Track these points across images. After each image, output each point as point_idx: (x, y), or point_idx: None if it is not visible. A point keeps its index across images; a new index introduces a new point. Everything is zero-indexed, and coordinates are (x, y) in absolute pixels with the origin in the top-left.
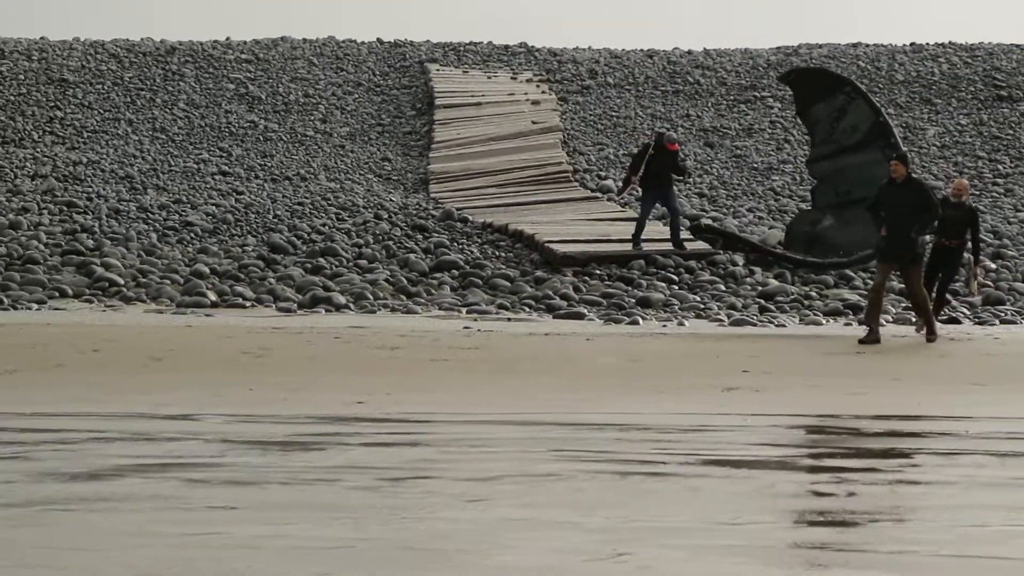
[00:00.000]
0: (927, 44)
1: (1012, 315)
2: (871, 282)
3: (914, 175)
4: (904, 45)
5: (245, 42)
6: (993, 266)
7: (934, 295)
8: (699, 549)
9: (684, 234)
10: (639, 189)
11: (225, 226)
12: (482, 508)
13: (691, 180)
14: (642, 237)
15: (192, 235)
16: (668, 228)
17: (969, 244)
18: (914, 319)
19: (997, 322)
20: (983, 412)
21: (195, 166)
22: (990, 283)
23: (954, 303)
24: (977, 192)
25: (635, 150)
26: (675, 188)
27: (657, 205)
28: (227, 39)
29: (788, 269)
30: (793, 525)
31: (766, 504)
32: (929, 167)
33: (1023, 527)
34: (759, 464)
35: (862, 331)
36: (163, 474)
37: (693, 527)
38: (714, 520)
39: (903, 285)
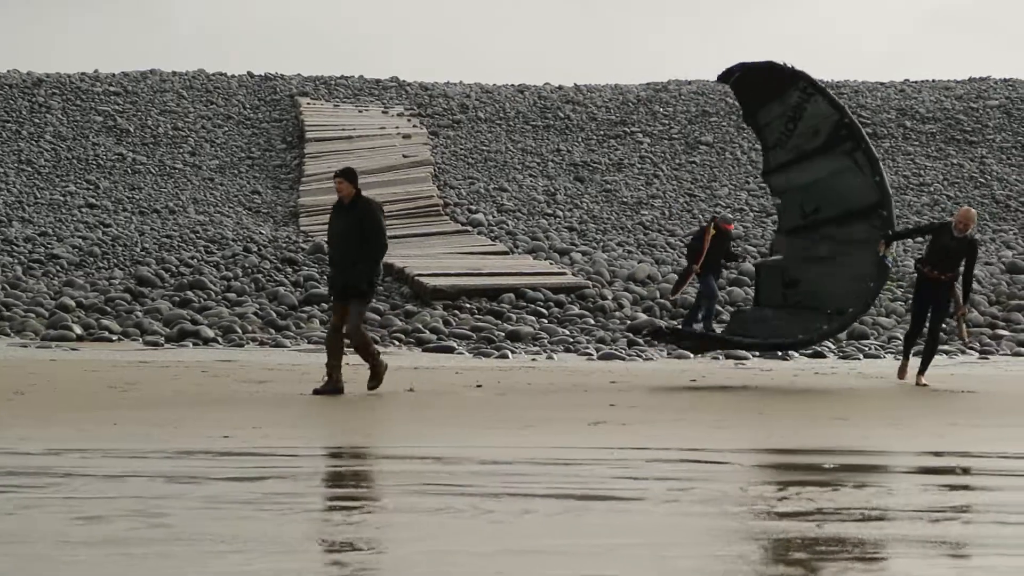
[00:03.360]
0: None
1: (875, 349)
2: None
3: (364, 195)
4: None
5: (113, 74)
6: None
7: (924, 336)
8: None
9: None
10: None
11: (92, 259)
12: (344, 542)
13: (561, 214)
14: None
15: (58, 268)
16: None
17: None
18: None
19: (861, 356)
20: (846, 444)
21: (62, 198)
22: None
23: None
24: None
25: (687, 239)
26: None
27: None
28: (95, 71)
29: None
30: (659, 556)
31: (630, 537)
32: None
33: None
34: (622, 497)
35: (729, 365)
36: (20, 511)
37: (555, 558)
38: (577, 551)
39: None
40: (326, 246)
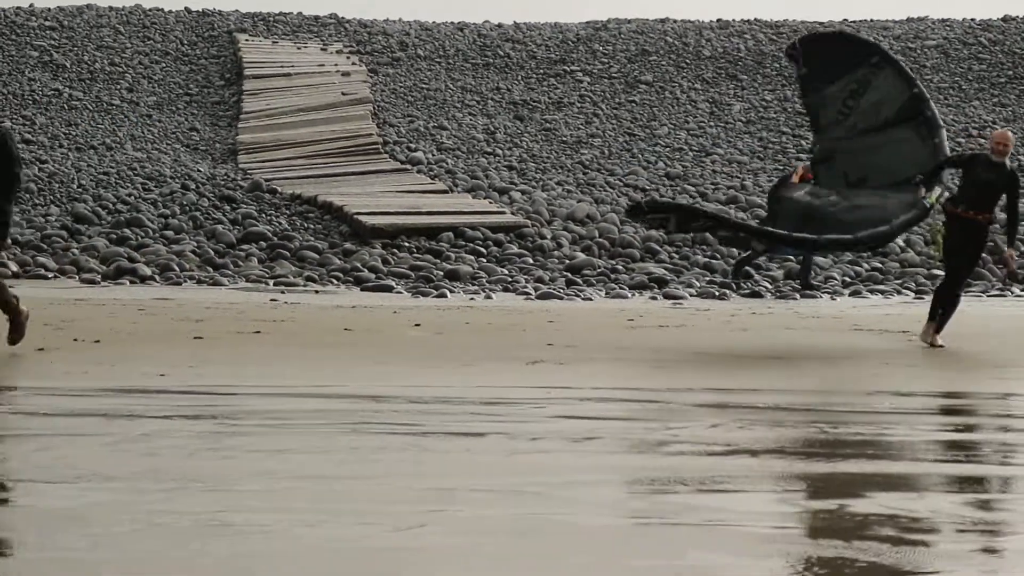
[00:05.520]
0: (733, 20)
1: (811, 290)
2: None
3: None
4: (711, 21)
5: (49, 9)
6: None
7: (949, 287)
8: (497, 518)
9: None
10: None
11: (28, 195)
12: (286, 481)
13: (501, 153)
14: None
15: None
16: (486, 204)
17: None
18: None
19: (797, 296)
20: (781, 385)
21: None
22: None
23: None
24: (781, 167)
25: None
26: None
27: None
28: (30, 6)
29: (764, 250)
30: (585, 492)
31: (564, 475)
32: (735, 142)
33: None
34: (557, 436)
35: (667, 305)
36: None
37: (490, 496)
38: (516, 489)
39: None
40: None
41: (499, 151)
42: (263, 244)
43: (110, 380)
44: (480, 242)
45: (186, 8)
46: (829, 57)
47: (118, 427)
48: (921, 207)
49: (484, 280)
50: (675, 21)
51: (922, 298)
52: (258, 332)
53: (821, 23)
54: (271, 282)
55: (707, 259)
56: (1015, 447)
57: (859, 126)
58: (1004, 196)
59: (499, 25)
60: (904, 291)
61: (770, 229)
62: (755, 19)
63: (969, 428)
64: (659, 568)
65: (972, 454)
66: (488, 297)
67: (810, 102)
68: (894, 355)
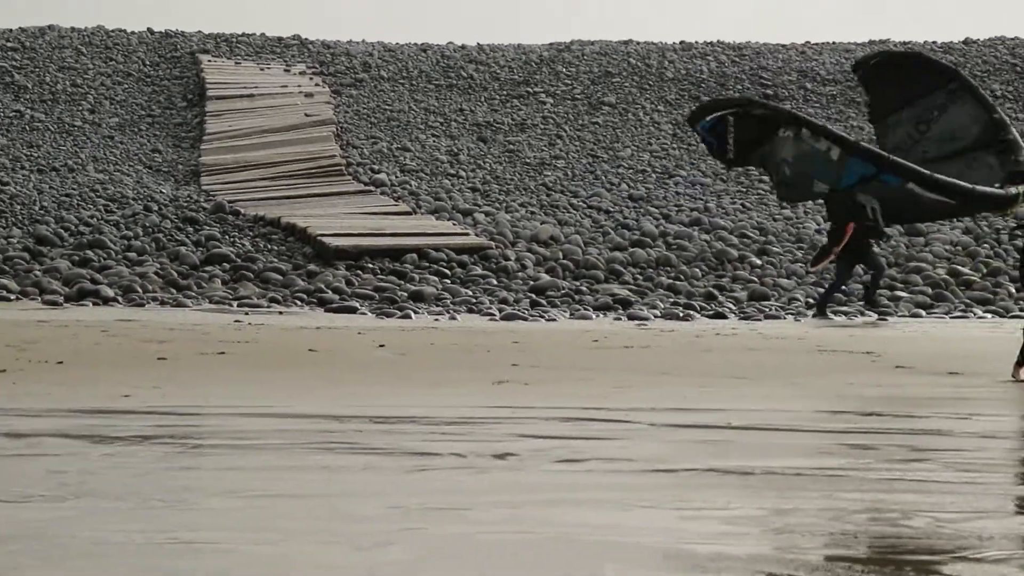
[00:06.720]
0: (696, 42)
1: (776, 310)
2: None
3: None
4: (674, 43)
5: (11, 30)
6: (759, 262)
7: None
8: (464, 537)
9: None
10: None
11: None
12: (246, 500)
13: (464, 175)
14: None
15: None
16: (458, 226)
17: None
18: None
19: (761, 317)
20: (745, 405)
21: None
22: None
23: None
24: (744, 189)
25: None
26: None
27: (859, 268)
28: None
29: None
30: (548, 510)
31: (524, 494)
32: (698, 164)
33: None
34: (520, 455)
35: (631, 325)
36: None
37: (458, 514)
38: (474, 506)
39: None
40: None
41: (463, 173)
42: (226, 266)
43: (73, 401)
44: (444, 264)
45: (149, 29)
46: (904, 81)
47: (79, 447)
48: (1009, 193)
49: (448, 301)
50: (638, 43)
51: (885, 319)
52: (222, 353)
53: (783, 45)
54: (235, 303)
55: (671, 280)
56: (980, 462)
57: (929, 154)
58: None
59: (463, 46)
60: (867, 313)
61: (848, 138)
62: (718, 41)
63: (929, 449)
64: None
65: (935, 472)
66: (452, 318)
67: (877, 127)
68: (858, 375)
